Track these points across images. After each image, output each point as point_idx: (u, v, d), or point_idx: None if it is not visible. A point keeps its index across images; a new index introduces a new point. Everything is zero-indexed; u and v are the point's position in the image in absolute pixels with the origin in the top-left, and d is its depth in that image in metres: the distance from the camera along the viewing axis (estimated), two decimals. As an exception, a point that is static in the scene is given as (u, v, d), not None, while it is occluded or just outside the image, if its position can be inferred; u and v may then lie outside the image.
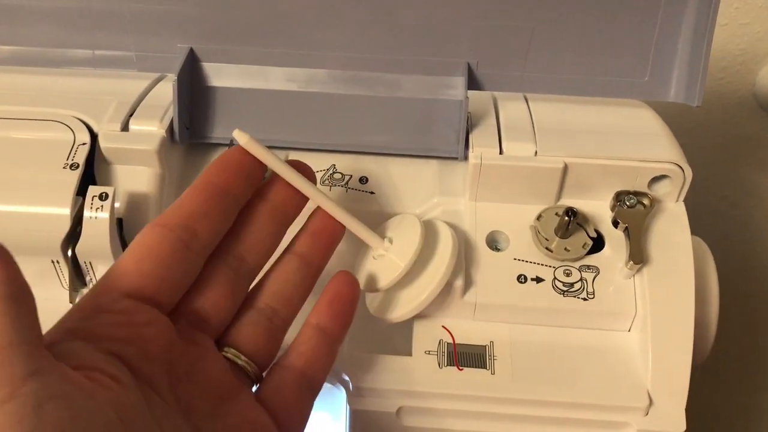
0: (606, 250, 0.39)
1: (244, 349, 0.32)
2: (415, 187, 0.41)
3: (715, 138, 0.74)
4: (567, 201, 0.40)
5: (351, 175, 0.42)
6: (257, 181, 0.34)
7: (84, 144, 0.39)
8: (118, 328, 0.27)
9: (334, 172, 0.42)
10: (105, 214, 0.36)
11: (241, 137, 0.33)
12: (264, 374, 0.33)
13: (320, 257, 0.35)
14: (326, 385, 0.38)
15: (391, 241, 0.37)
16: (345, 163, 0.42)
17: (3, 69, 0.42)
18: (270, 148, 0.40)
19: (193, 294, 0.31)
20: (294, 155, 0.42)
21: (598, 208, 0.40)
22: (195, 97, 0.41)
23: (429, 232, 0.39)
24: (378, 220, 0.40)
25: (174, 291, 0.30)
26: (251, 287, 0.34)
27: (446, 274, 0.36)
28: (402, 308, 0.37)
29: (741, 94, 0.73)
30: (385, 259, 0.37)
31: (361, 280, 0.37)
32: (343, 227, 0.36)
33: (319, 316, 0.33)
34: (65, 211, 0.37)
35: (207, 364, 0.30)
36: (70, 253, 0.37)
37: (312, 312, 0.34)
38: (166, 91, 0.42)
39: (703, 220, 0.39)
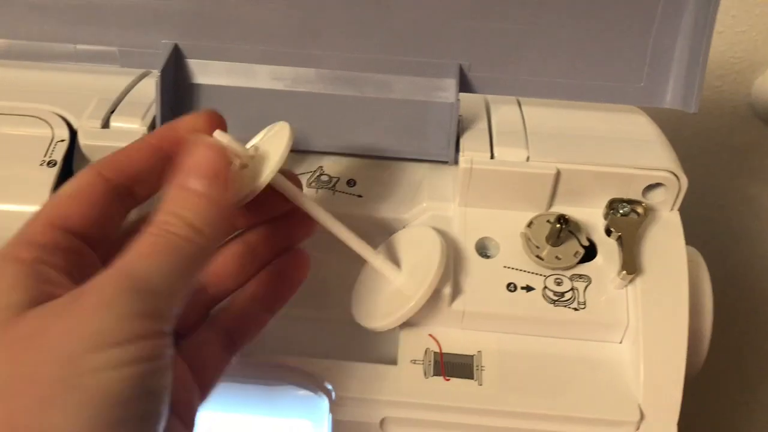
0: (598, 259, 0.38)
1: None
2: (404, 191, 0.40)
3: (710, 146, 0.73)
4: (559, 208, 0.39)
5: (338, 178, 0.41)
6: None
7: (62, 141, 0.38)
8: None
9: (321, 174, 0.41)
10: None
11: (222, 138, 0.32)
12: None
13: (268, 251, 0.34)
14: (308, 394, 0.37)
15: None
16: (332, 166, 0.41)
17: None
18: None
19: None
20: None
21: (591, 215, 0.39)
22: (179, 94, 0.40)
23: (417, 237, 0.38)
24: (365, 224, 0.39)
25: (99, 238, 0.28)
26: None
27: (434, 281, 0.35)
28: (388, 317, 0.36)
29: (736, 103, 0.72)
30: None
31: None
32: (308, 229, 0.34)
33: (259, 285, 0.33)
34: (41, 210, 0.35)
35: None
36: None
37: (253, 280, 0.33)
38: (149, 88, 0.41)
39: (696, 229, 0.38)
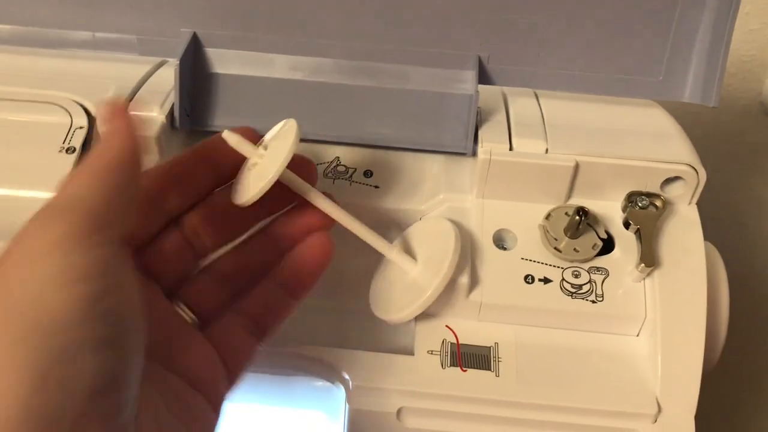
0: (616, 251, 0.38)
1: (191, 306, 0.32)
2: (421, 183, 0.40)
3: (720, 145, 0.73)
4: (577, 200, 0.39)
5: (355, 168, 0.41)
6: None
7: (81, 128, 0.37)
8: None
9: (338, 165, 0.41)
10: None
11: (230, 138, 0.32)
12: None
13: (290, 241, 0.34)
14: (325, 384, 0.37)
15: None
16: (350, 156, 0.41)
17: (1, 49, 0.41)
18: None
19: (148, 248, 0.31)
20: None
21: (609, 208, 0.39)
22: (197, 83, 0.40)
23: (432, 229, 0.38)
24: (382, 215, 0.39)
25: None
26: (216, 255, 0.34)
27: (449, 272, 0.35)
28: (404, 309, 0.36)
29: (747, 101, 0.72)
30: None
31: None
32: (326, 222, 0.34)
33: (284, 273, 0.33)
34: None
35: (156, 305, 0.30)
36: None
37: (279, 267, 0.34)
38: (167, 77, 0.40)
39: (705, 226, 0.38)
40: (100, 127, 0.31)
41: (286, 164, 0.31)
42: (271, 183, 0.31)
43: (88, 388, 0.22)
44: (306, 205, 0.34)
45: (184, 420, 0.28)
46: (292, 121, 0.33)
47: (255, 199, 0.31)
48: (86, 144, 0.37)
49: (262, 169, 0.32)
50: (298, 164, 0.33)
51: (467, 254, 0.37)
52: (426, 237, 0.38)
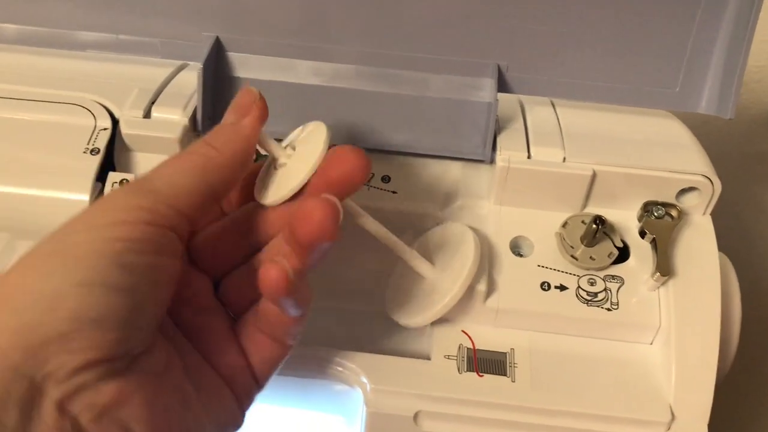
0: (631, 260, 0.38)
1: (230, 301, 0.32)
2: (439, 188, 0.40)
3: (727, 154, 0.73)
4: (593, 209, 0.39)
5: (373, 174, 0.41)
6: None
7: (105, 129, 0.38)
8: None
9: (356, 170, 0.41)
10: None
11: (262, 138, 0.32)
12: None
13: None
14: (343, 387, 0.37)
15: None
16: (368, 161, 0.41)
17: (24, 50, 0.42)
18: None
19: (200, 237, 0.32)
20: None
21: (624, 217, 0.39)
22: (219, 86, 0.41)
23: (451, 234, 0.38)
24: (400, 220, 0.40)
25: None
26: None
27: (468, 278, 0.36)
28: (422, 314, 0.36)
29: (755, 111, 0.72)
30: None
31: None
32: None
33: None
34: (84, 197, 0.36)
35: (203, 295, 0.31)
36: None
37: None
38: (188, 80, 0.41)
39: (716, 236, 0.39)
40: (229, 113, 0.31)
41: (317, 167, 0.31)
42: (302, 184, 0.31)
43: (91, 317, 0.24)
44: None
45: (212, 413, 0.29)
46: (321, 124, 0.33)
47: (285, 199, 0.31)
48: (110, 145, 0.38)
49: (291, 170, 0.32)
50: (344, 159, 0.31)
51: (484, 261, 0.37)
52: (445, 243, 0.38)
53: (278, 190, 0.32)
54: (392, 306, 0.38)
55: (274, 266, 0.27)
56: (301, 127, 0.35)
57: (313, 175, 0.31)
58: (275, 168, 0.33)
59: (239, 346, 0.31)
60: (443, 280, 0.36)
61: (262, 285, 0.28)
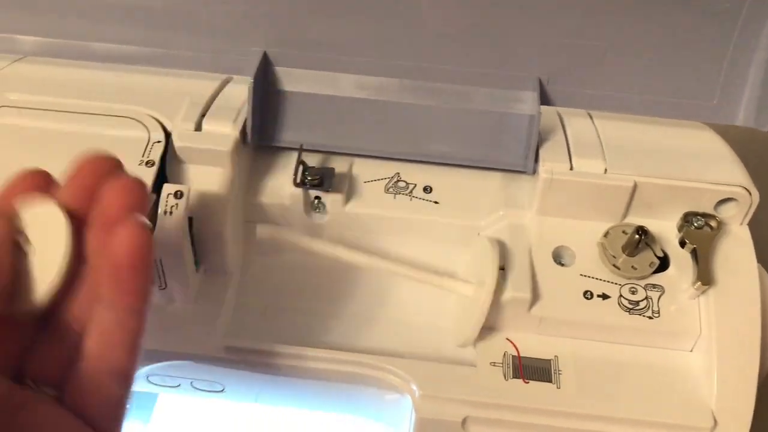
0: (671, 269, 0.39)
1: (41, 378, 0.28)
2: (481, 199, 0.41)
3: (756, 165, 0.74)
4: (633, 219, 0.40)
5: (415, 184, 0.42)
6: None
7: (159, 142, 0.39)
8: None
9: (398, 180, 0.42)
10: (180, 212, 0.36)
11: None
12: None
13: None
14: (390, 394, 0.38)
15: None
16: (410, 172, 0.42)
17: (80, 65, 0.43)
18: (336, 153, 0.41)
19: None
20: (359, 162, 0.42)
21: (663, 227, 0.40)
22: (266, 100, 0.42)
23: (476, 249, 0.40)
24: (440, 230, 0.41)
25: None
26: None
27: (491, 288, 0.37)
28: (464, 332, 0.38)
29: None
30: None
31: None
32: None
33: (105, 289, 0.28)
34: (139, 208, 0.37)
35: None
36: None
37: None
38: (236, 93, 0.42)
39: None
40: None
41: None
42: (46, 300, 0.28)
43: None
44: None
45: None
46: (51, 206, 0.28)
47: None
48: (164, 158, 0.39)
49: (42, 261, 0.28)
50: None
51: (527, 270, 0.38)
52: (473, 257, 0.40)
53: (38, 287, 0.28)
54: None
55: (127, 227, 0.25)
56: (24, 205, 0.28)
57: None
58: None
59: (69, 418, 0.27)
60: (475, 294, 0.38)
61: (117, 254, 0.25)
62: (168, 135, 0.40)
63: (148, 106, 0.41)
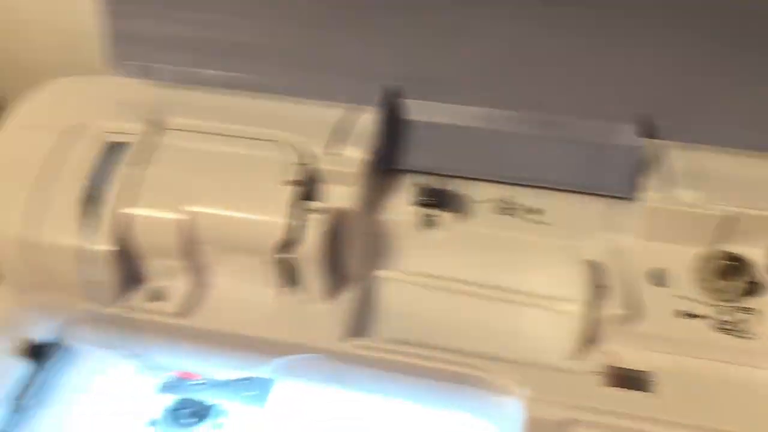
0: (765, 293, 0.42)
1: None
2: (585, 221, 0.45)
3: None
4: (727, 245, 0.43)
5: (524, 206, 0.46)
6: None
7: (299, 164, 0.45)
8: None
9: (508, 202, 0.47)
10: (320, 227, 0.42)
11: None
12: None
13: None
14: (499, 397, 0.42)
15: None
16: (520, 195, 0.47)
17: (231, 93, 0.49)
18: (451, 176, 0.46)
19: None
20: (473, 184, 0.47)
21: (756, 254, 0.43)
22: (392, 128, 0.47)
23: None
24: (547, 249, 0.45)
25: None
26: None
27: (585, 308, 0.41)
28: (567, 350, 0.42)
29: None
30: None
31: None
32: None
33: None
34: (282, 220, 0.42)
35: None
36: (278, 256, 0.43)
37: None
38: (365, 121, 0.47)
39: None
40: None
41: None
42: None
43: None
44: None
45: None
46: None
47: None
48: (303, 177, 0.44)
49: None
50: None
51: (626, 289, 0.42)
52: (577, 276, 0.44)
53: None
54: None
55: None
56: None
57: None
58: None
59: None
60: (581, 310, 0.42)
61: None
62: (307, 157, 0.45)
63: (293, 131, 0.46)
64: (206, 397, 0.67)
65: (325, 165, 0.45)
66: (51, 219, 0.44)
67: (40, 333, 0.66)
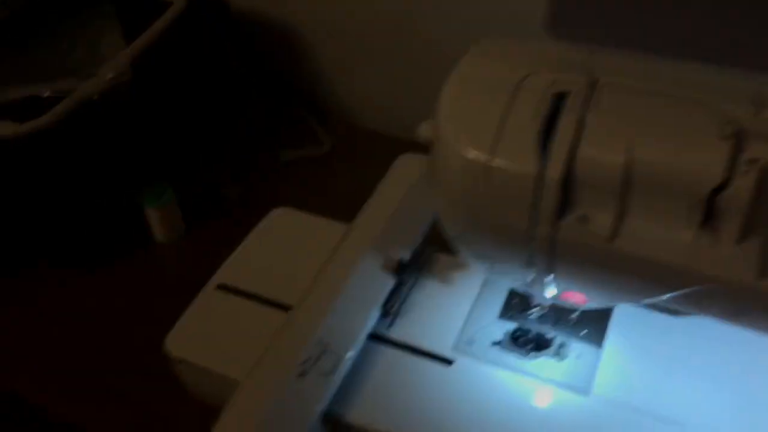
0: None
1: None
2: None
3: None
4: None
5: None
6: None
7: (732, 122, 0.51)
8: None
9: None
10: (753, 176, 0.48)
11: None
12: None
13: None
14: None
15: None
16: None
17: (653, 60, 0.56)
18: None
19: None
20: None
21: None
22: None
23: None
24: None
25: None
26: None
27: None
28: None
29: None
30: None
31: None
32: None
33: None
34: (719, 169, 0.49)
35: None
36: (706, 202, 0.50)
37: None
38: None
39: None
40: None
41: None
42: None
43: None
44: None
45: None
46: None
47: None
48: (737, 134, 0.50)
49: None
50: None
51: None
52: None
53: None
54: None
55: None
56: None
57: None
58: None
59: None
60: None
61: None
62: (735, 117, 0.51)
63: (714, 95, 0.53)
64: (545, 330, 0.75)
65: (752, 125, 0.50)
66: (511, 150, 0.53)
67: (405, 253, 0.79)
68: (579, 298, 0.62)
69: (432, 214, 0.85)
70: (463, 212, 0.58)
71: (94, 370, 0.85)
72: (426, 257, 0.82)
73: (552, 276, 0.59)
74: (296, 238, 0.87)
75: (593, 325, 0.74)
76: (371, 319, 0.73)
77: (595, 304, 0.63)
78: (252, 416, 0.63)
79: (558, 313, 0.74)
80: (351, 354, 0.70)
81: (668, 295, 0.55)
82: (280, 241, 0.86)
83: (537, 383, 0.69)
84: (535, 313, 0.75)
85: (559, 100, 0.55)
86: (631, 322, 0.74)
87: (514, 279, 0.65)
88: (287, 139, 1.17)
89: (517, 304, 0.77)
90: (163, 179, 0.98)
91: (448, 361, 0.72)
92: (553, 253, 0.56)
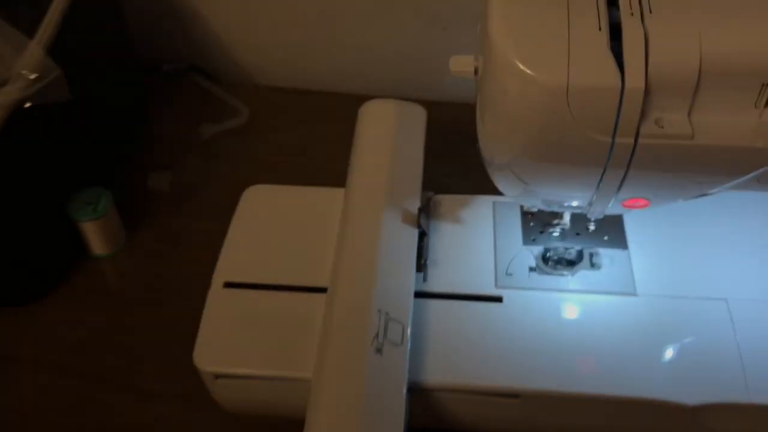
0: None
1: None
2: None
3: None
4: None
5: None
6: None
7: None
8: None
9: None
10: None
11: None
12: None
13: None
14: None
15: None
16: None
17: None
18: None
19: None
20: None
21: None
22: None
23: None
24: None
25: None
26: None
27: None
28: None
29: None
30: None
31: None
32: None
33: None
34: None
35: None
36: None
37: None
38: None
39: None
40: None
41: None
42: None
43: None
44: None
45: None
46: None
47: None
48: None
49: None
50: None
51: None
52: None
53: None
54: None
55: None
56: None
57: None
58: None
59: None
60: None
61: None
62: None
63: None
64: (571, 244, 0.76)
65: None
66: (589, 67, 0.52)
67: (417, 203, 0.75)
68: (642, 203, 0.63)
69: (420, 158, 0.82)
70: (544, 142, 0.55)
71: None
72: (430, 202, 0.79)
73: (619, 187, 0.59)
74: (279, 212, 0.80)
75: (611, 229, 0.76)
76: (413, 277, 0.70)
77: (657, 205, 0.65)
78: (353, 408, 0.58)
79: (575, 226, 0.75)
80: (410, 317, 0.66)
81: (738, 180, 0.57)
82: (265, 221, 0.79)
83: (587, 297, 0.70)
84: (555, 230, 0.76)
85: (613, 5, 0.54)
86: (641, 217, 0.77)
87: (566, 206, 0.65)
88: (205, 117, 1.06)
89: (534, 227, 0.77)
90: (96, 183, 0.85)
91: (497, 299, 0.70)
92: (630, 163, 0.56)
